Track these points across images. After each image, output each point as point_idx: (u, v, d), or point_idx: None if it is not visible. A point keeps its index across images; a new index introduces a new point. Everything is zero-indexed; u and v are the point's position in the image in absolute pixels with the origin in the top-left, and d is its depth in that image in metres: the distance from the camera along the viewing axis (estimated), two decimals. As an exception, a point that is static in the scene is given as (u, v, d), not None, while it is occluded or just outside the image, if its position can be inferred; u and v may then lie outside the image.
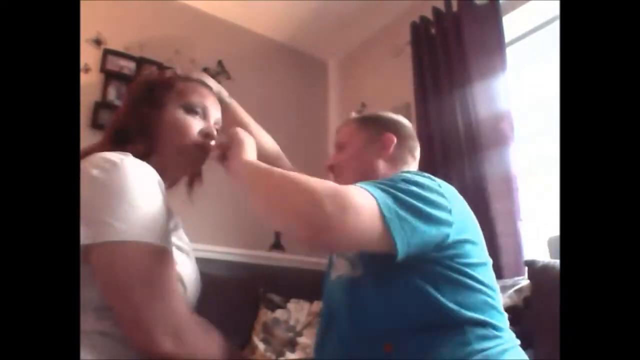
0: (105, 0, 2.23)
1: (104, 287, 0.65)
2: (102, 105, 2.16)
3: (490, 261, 0.86)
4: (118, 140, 0.82)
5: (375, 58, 2.74)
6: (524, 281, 1.37)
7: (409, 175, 0.80)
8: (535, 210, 1.79)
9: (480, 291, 0.78)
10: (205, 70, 2.49)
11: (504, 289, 1.39)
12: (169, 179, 0.88)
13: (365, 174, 0.94)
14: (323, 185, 0.65)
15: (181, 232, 0.85)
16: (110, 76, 2.21)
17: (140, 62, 2.29)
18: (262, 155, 1.10)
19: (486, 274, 0.82)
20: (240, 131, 0.90)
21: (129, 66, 2.26)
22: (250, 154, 0.86)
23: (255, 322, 1.96)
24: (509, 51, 1.92)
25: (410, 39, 2.26)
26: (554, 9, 1.88)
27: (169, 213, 0.76)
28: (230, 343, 0.77)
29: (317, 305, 2.02)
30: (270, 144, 1.18)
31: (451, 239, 0.76)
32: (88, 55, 2.19)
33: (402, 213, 0.69)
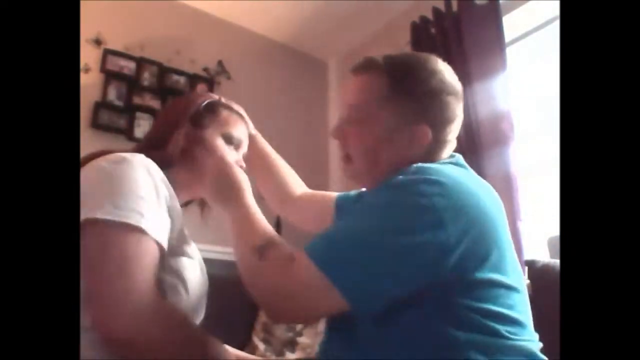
0: (105, 0, 2.23)
1: (82, 265, 0.63)
2: (102, 105, 2.16)
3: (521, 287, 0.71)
4: (150, 147, 0.85)
5: (375, 58, 2.74)
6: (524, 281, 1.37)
7: (395, 197, 0.67)
8: (535, 210, 1.79)
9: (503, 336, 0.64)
10: (205, 70, 2.49)
11: (504, 289, 1.38)
12: (191, 195, 0.92)
13: (384, 174, 0.76)
14: (273, 286, 0.69)
15: (187, 236, 0.85)
16: (110, 76, 2.21)
17: (140, 62, 2.30)
18: (283, 188, 1.11)
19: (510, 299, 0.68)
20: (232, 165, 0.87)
21: (129, 66, 2.26)
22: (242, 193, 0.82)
23: (255, 322, 1.96)
24: (509, 51, 1.92)
25: (410, 39, 2.26)
26: (554, 9, 1.88)
27: (172, 213, 0.76)
28: (214, 340, 0.74)
29: (317, 305, 2.02)
30: (292, 177, 1.15)
31: (453, 262, 0.63)
32: (88, 55, 2.18)
33: (358, 274, 0.62)
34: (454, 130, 0.84)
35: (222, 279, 2.04)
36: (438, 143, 0.81)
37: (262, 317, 1.96)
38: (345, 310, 0.64)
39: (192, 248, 0.84)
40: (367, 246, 0.64)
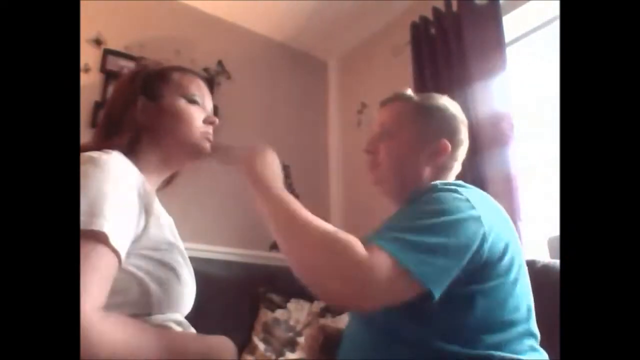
0: (105, 0, 2.23)
1: None
2: (102, 105, 2.16)
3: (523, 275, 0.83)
4: (109, 134, 0.82)
5: (375, 58, 2.74)
6: (524, 281, 1.37)
7: (435, 203, 0.78)
8: (535, 210, 1.79)
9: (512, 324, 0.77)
10: (205, 70, 2.49)
11: (504, 289, 1.38)
12: (169, 172, 0.89)
13: (406, 182, 0.93)
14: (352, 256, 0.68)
15: (174, 232, 0.84)
16: (110, 76, 2.21)
17: (140, 62, 2.30)
18: None
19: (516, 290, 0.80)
20: (260, 147, 0.87)
21: (128, 66, 2.26)
22: (275, 178, 0.82)
23: (255, 322, 1.96)
24: (509, 51, 1.92)
25: (410, 39, 2.26)
26: (554, 9, 1.87)
27: (147, 212, 0.74)
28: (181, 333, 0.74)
29: (317, 305, 2.02)
30: None
31: (486, 256, 0.75)
32: (88, 55, 2.19)
33: (425, 257, 0.70)
34: (461, 154, 1.00)
35: (222, 279, 2.05)
36: (451, 161, 0.97)
37: (262, 317, 1.96)
38: (420, 294, 0.71)
39: (181, 245, 0.83)
40: (424, 231, 0.73)
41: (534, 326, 0.82)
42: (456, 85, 1.95)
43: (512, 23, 1.99)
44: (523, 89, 1.97)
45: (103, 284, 0.63)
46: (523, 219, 1.68)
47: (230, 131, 2.52)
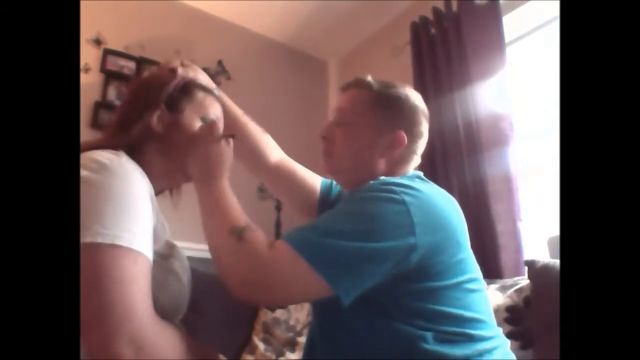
0: (105, 0, 2.24)
1: None
2: (102, 105, 2.16)
3: (479, 277, 0.81)
4: (116, 132, 0.81)
5: (375, 58, 2.74)
6: (524, 281, 1.37)
7: (365, 202, 0.75)
8: (535, 210, 1.79)
9: (459, 320, 0.73)
10: (205, 70, 2.49)
11: (504, 289, 1.39)
12: (166, 183, 0.88)
13: (360, 174, 0.88)
14: (250, 260, 0.69)
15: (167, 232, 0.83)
16: (110, 76, 2.22)
17: (140, 62, 2.30)
18: (256, 153, 1.07)
19: (471, 296, 0.77)
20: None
21: (129, 66, 2.26)
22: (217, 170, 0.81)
23: (255, 322, 1.96)
24: (509, 51, 1.92)
25: (410, 39, 2.26)
26: (554, 9, 1.88)
27: (157, 218, 0.74)
28: (204, 347, 0.74)
29: (317, 305, 2.02)
30: (265, 140, 1.10)
31: (416, 264, 0.71)
32: (88, 55, 2.19)
33: (342, 260, 0.68)
34: (421, 147, 0.96)
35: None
36: (409, 153, 0.92)
37: (262, 317, 1.96)
38: (324, 296, 0.69)
39: (174, 244, 0.83)
40: (348, 247, 0.69)
41: None
42: (456, 85, 1.95)
43: (512, 23, 1.99)
44: (523, 89, 1.97)
45: (147, 290, 0.64)
46: (523, 219, 1.68)
47: (230, 131, 2.53)
